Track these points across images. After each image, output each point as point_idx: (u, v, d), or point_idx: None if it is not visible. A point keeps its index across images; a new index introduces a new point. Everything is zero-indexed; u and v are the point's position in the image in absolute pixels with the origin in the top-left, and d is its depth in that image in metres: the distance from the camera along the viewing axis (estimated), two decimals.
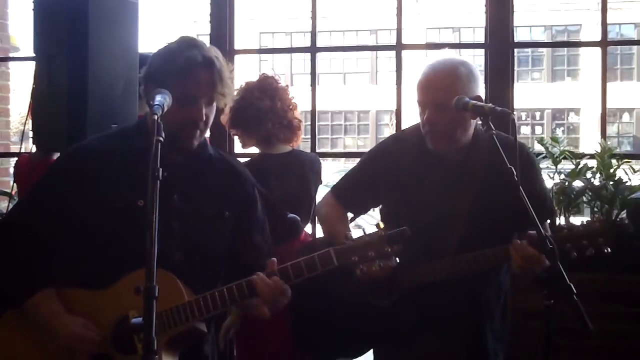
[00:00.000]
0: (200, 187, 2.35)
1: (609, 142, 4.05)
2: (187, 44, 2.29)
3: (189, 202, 2.31)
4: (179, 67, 2.22)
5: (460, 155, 2.71)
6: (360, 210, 2.94)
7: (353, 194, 2.88)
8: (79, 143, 2.48)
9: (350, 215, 2.92)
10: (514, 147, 2.34)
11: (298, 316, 2.92)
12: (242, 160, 3.30)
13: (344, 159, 25.10)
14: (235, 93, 2.40)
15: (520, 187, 2.27)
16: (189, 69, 2.22)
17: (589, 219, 3.91)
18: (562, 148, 3.97)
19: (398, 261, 2.17)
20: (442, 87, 2.61)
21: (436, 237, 2.66)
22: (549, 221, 2.80)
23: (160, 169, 1.81)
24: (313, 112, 4.45)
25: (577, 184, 3.90)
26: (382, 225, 2.17)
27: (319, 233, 4.18)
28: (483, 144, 2.60)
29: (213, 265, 2.37)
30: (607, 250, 2.40)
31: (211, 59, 2.25)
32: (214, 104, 2.31)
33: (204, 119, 2.27)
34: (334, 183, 3.00)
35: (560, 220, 3.89)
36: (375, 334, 2.78)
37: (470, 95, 2.58)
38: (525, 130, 27.46)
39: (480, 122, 2.62)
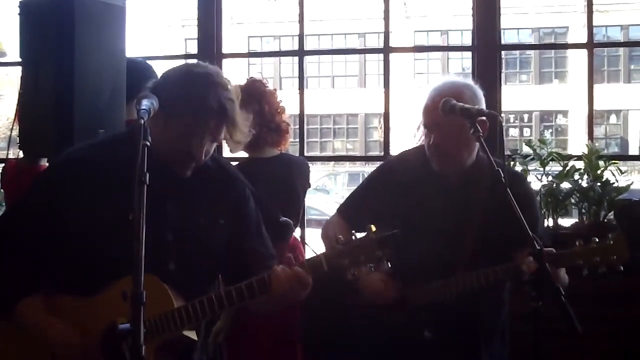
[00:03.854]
0: (193, 196, 2.33)
1: (596, 144, 4.07)
2: (206, 82, 2.21)
3: (182, 213, 2.29)
4: (192, 108, 2.17)
5: (463, 176, 2.74)
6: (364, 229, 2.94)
7: (358, 211, 2.87)
8: (68, 152, 2.44)
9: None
10: (504, 165, 2.35)
11: (307, 326, 2.94)
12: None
13: (333, 162, 25.15)
14: (247, 129, 2.37)
15: (509, 191, 2.26)
16: (202, 114, 2.18)
17: (577, 220, 3.93)
18: (549, 150, 3.99)
19: (390, 266, 2.14)
20: None
21: (444, 259, 2.67)
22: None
23: (147, 174, 1.81)
24: (301, 116, 4.45)
25: (565, 185, 3.92)
26: (373, 229, 2.14)
27: (308, 237, 4.19)
28: (485, 165, 2.61)
29: (208, 273, 2.36)
30: (620, 268, 2.33)
31: (225, 107, 2.20)
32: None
33: (204, 157, 2.26)
34: (340, 204, 3.00)
35: (549, 222, 3.91)
36: (378, 348, 2.76)
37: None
38: (513, 133, 27.54)
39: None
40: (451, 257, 2.67)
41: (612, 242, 2.37)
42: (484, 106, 2.69)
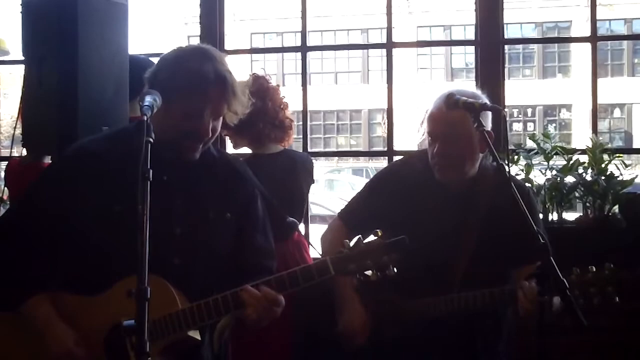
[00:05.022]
0: (202, 190, 2.33)
1: (600, 138, 4.05)
2: (200, 56, 2.23)
3: (191, 206, 2.29)
4: (190, 81, 2.17)
5: (465, 187, 2.72)
6: (366, 234, 2.95)
7: (359, 217, 2.86)
8: (76, 145, 2.43)
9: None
10: (511, 178, 2.31)
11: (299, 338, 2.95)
12: None
13: (336, 157, 25.15)
14: (246, 100, 2.35)
15: (520, 198, 2.22)
16: (200, 85, 2.18)
17: (582, 214, 3.92)
18: (553, 144, 3.98)
19: (396, 271, 2.12)
20: (453, 120, 2.60)
21: (440, 269, 2.65)
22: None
23: (151, 170, 1.80)
24: (305, 112, 4.44)
25: (569, 179, 3.91)
26: (380, 234, 2.14)
27: (312, 233, 4.18)
28: (488, 177, 2.60)
29: (213, 269, 2.33)
30: (616, 299, 2.28)
31: (223, 76, 2.21)
32: (221, 118, 2.28)
33: (210, 134, 2.26)
34: (341, 208, 3.00)
35: (553, 216, 3.90)
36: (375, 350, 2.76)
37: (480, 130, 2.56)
38: (517, 127, 27.54)
39: (488, 156, 2.59)
40: (449, 265, 2.66)
41: (607, 273, 2.31)
42: (490, 117, 2.68)
